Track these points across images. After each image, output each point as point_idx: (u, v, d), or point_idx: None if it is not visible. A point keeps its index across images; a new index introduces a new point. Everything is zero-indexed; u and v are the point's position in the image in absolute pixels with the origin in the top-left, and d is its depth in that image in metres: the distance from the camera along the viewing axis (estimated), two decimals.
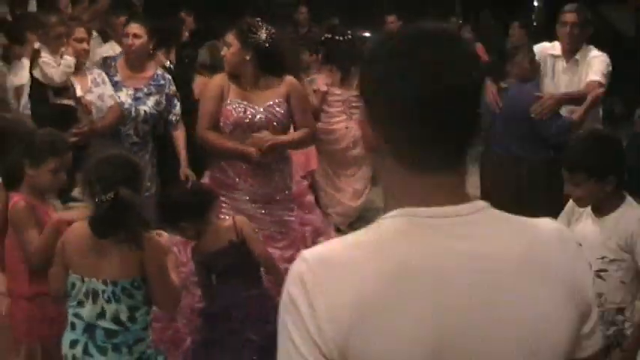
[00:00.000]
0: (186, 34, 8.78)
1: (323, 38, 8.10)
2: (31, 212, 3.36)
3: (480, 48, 8.64)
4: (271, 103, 4.41)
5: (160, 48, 7.93)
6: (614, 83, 5.94)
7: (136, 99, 5.53)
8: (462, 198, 1.37)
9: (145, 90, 5.59)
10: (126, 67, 5.58)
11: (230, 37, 4.41)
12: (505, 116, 5.36)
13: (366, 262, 1.30)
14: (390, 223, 1.35)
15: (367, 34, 10.73)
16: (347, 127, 7.10)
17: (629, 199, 3.24)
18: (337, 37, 7.91)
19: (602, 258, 3.20)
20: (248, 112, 4.36)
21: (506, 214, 1.41)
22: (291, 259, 4.06)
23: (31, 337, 3.40)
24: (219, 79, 4.52)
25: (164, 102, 5.61)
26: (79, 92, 5.24)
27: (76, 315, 3.10)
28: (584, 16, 5.36)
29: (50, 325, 3.38)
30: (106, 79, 5.51)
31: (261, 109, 4.38)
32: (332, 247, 1.37)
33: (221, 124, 4.39)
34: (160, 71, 5.74)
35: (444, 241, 1.33)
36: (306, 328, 1.27)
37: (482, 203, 1.39)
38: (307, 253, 1.34)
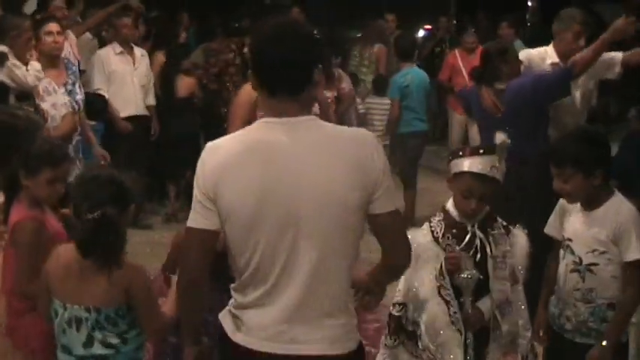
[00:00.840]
0: (184, 34, 8.76)
1: None
2: (38, 236, 3.12)
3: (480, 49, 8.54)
4: None
5: (159, 48, 8.01)
6: (609, 83, 5.93)
7: (69, 93, 5.64)
8: (298, 114, 2.37)
9: (70, 80, 5.74)
10: (48, 68, 5.61)
11: None
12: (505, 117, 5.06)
13: (230, 144, 2.41)
14: (255, 125, 2.45)
15: (358, 35, 10.72)
16: None
17: (617, 193, 3.28)
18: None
19: (593, 251, 3.23)
20: None
21: (329, 124, 2.48)
22: None
23: (26, 348, 3.32)
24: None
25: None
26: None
27: (64, 348, 2.96)
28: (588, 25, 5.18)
29: (46, 339, 3.21)
30: (56, 87, 5.56)
31: None
32: (222, 139, 2.47)
33: None
34: (62, 55, 5.93)
35: (277, 134, 2.35)
36: (199, 183, 2.39)
37: (312, 117, 2.42)
38: (209, 143, 2.43)
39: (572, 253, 3.30)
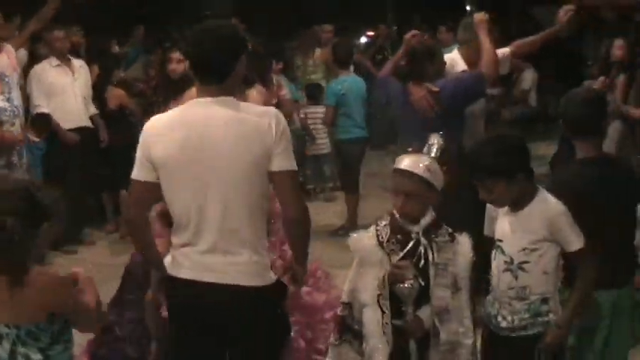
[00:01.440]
0: (116, 47, 8.71)
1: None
2: None
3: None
4: None
5: (94, 61, 7.95)
6: (548, 83, 6.04)
7: (8, 100, 5.56)
8: (219, 95, 3.07)
9: (5, 89, 5.80)
10: None
11: None
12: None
13: (163, 116, 3.18)
14: (186, 104, 3.18)
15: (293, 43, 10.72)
16: None
17: (542, 190, 3.33)
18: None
19: (523, 250, 3.28)
20: None
21: (244, 103, 3.18)
22: None
23: None
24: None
25: None
26: None
27: None
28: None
29: None
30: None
31: None
32: (160, 114, 3.23)
33: None
34: None
35: (199, 109, 3.08)
36: (140, 146, 3.10)
37: (229, 98, 3.08)
38: (150, 119, 3.17)
39: (503, 253, 3.34)
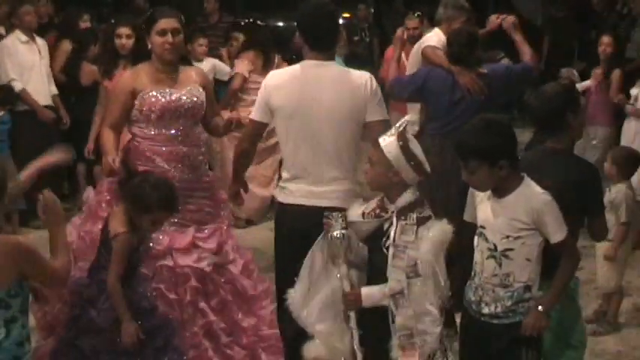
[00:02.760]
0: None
1: (243, 23, 7.93)
2: None
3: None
4: (189, 88, 4.38)
5: (65, 36, 7.84)
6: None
7: None
8: (327, 60, 3.89)
9: None
10: None
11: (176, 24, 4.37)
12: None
13: (283, 72, 4.15)
14: (300, 64, 3.95)
15: (280, 24, 10.62)
16: None
17: (527, 179, 3.31)
18: (259, 22, 7.78)
19: (507, 237, 3.26)
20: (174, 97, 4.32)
21: (343, 67, 4.13)
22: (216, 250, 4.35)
23: None
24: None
25: None
26: None
27: None
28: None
29: None
30: None
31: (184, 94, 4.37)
32: (278, 70, 4.53)
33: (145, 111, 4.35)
34: None
35: (311, 69, 3.89)
36: (261, 93, 3.98)
37: (332, 62, 3.92)
38: (271, 73, 4.22)
39: (486, 240, 3.32)
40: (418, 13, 7.69)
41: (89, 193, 4.68)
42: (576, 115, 3.70)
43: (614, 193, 5.11)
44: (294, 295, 3.49)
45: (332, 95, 3.80)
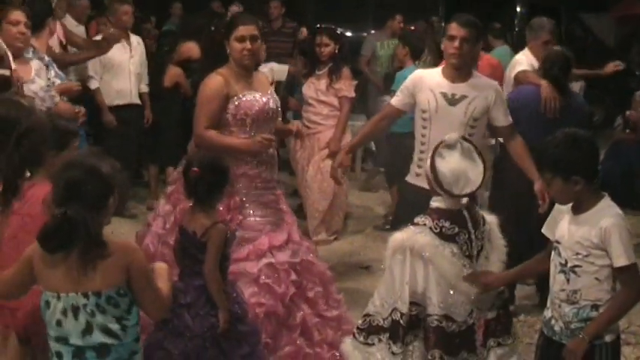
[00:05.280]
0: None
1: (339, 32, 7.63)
2: None
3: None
4: (270, 92, 4.54)
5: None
6: (596, 92, 6.05)
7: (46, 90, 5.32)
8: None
9: (43, 68, 5.43)
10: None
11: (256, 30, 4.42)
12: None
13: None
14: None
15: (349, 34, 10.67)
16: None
17: (606, 198, 3.29)
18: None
19: (577, 254, 3.26)
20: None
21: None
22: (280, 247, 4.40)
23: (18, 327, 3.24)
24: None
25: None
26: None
27: (58, 339, 2.85)
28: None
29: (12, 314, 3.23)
30: (53, 70, 5.45)
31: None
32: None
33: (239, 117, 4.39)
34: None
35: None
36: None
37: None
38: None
39: (559, 255, 3.34)
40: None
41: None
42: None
43: None
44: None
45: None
